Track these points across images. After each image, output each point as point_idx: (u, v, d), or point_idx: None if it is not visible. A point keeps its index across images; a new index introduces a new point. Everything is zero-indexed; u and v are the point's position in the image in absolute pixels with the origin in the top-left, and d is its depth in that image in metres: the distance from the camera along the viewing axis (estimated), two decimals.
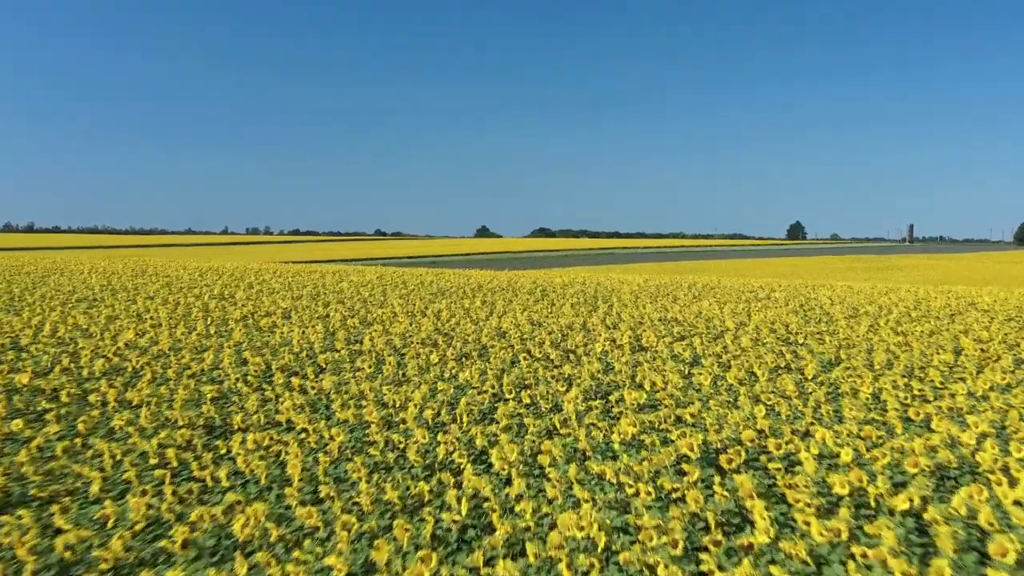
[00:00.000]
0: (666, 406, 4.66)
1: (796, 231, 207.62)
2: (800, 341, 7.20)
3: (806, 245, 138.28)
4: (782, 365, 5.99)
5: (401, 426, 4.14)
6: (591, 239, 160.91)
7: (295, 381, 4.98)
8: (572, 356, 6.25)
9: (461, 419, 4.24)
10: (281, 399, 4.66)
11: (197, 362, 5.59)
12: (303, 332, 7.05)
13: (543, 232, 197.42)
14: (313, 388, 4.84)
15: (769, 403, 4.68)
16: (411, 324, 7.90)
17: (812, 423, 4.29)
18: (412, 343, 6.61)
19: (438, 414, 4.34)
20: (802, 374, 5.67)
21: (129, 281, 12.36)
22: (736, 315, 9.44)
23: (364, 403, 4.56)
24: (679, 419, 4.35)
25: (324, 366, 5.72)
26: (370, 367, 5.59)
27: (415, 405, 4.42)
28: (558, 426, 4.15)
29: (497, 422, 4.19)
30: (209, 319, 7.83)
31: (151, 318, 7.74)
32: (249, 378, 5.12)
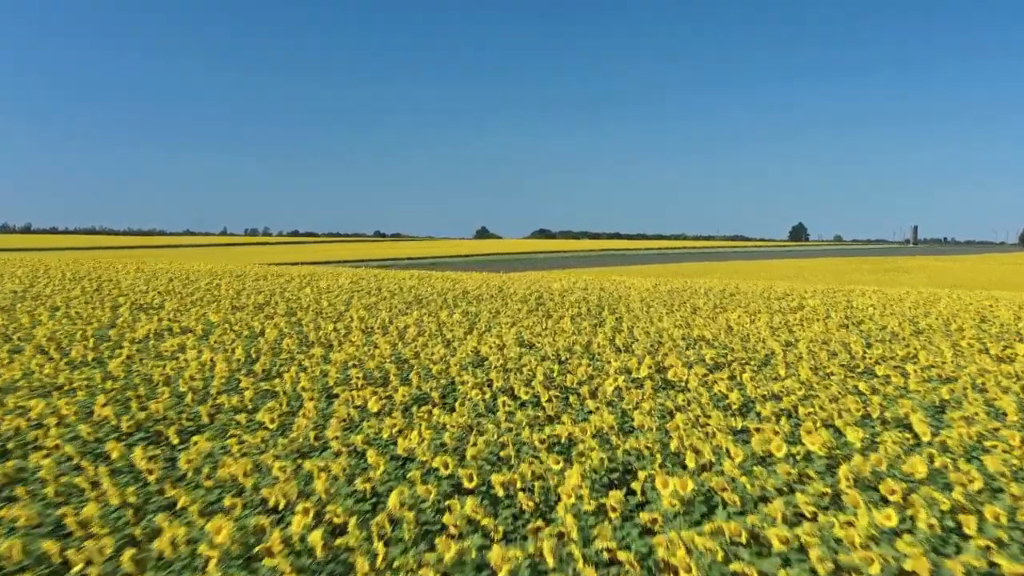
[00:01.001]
0: (728, 506, 2.85)
1: (799, 232, 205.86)
2: (877, 371, 5.39)
3: (809, 247, 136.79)
4: (874, 416, 4.17)
5: (266, 564, 2.33)
6: (591, 240, 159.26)
7: (138, 455, 3.16)
8: (573, 398, 4.44)
9: (378, 540, 2.43)
10: (97, 489, 2.85)
11: (18, 414, 3.78)
12: (211, 359, 5.24)
13: (543, 233, 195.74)
14: (158, 472, 3.03)
15: (891, 496, 2.87)
16: (364, 346, 6.10)
17: (989, 548, 2.48)
18: (353, 379, 4.79)
19: (342, 528, 2.53)
20: (911, 432, 3.85)
21: (48, 287, 10.55)
22: (775, 330, 7.63)
23: (228, 501, 2.75)
24: (756, 539, 2.54)
25: (209, 420, 3.91)
26: (274, 422, 3.78)
27: (308, 508, 2.61)
28: (548, 560, 2.35)
29: (441, 548, 2.38)
30: (99, 339, 6.02)
31: (18, 338, 5.93)
32: (68, 448, 3.30)
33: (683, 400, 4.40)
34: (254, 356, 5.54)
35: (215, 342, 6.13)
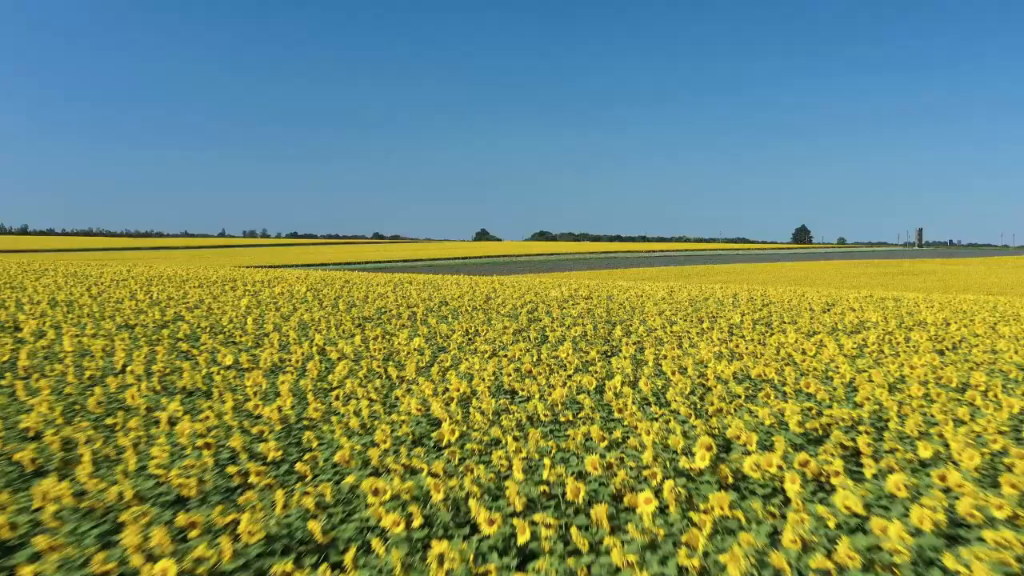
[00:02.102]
0: None
1: (802, 235, 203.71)
2: None
3: (814, 249, 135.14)
4: None
5: None
6: (592, 242, 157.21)
7: None
8: (579, 534, 2.31)
9: None
10: None
11: None
12: None
13: (543, 235, 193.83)
14: None
15: None
16: (256, 397, 3.96)
17: None
18: (175, 486, 2.65)
19: None
20: None
21: None
22: (853, 360, 5.51)
23: None
24: None
25: None
26: None
27: None
28: None
29: None
30: None
31: None
32: None
33: (793, 542, 2.25)
34: (50, 419, 3.41)
35: (25, 389, 3.98)
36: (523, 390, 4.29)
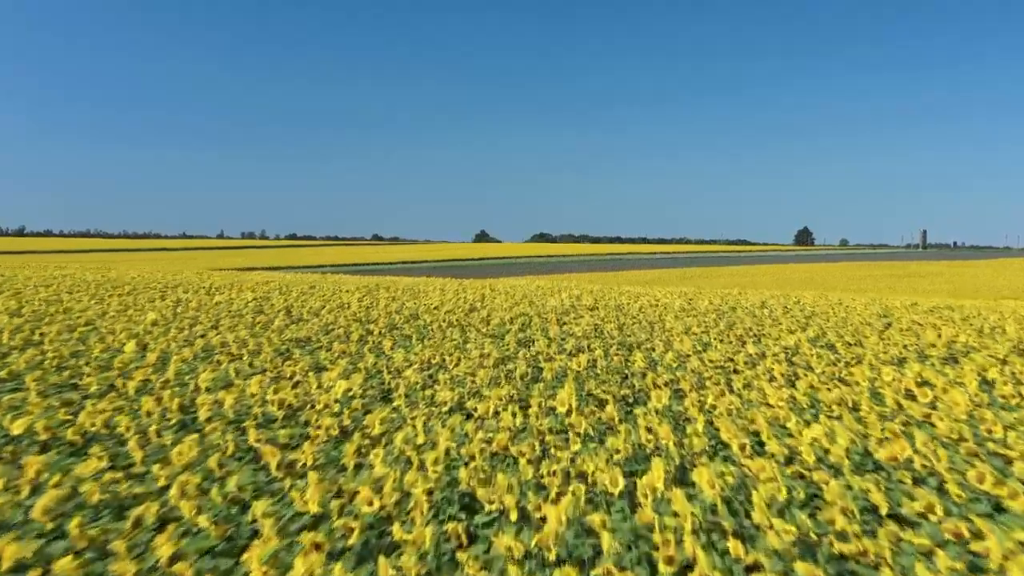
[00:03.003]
0: None
1: (804, 236, 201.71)
2: None
3: (817, 251, 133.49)
4: None
5: None
6: (593, 244, 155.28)
7: None
8: None
9: None
10: None
11: None
12: None
13: (543, 237, 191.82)
14: None
15: None
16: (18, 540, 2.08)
17: None
18: None
19: None
20: None
21: None
22: (994, 409, 3.62)
23: None
24: None
25: None
26: None
27: None
28: None
29: None
30: None
31: None
32: None
33: None
34: None
35: None
36: (491, 499, 2.39)
